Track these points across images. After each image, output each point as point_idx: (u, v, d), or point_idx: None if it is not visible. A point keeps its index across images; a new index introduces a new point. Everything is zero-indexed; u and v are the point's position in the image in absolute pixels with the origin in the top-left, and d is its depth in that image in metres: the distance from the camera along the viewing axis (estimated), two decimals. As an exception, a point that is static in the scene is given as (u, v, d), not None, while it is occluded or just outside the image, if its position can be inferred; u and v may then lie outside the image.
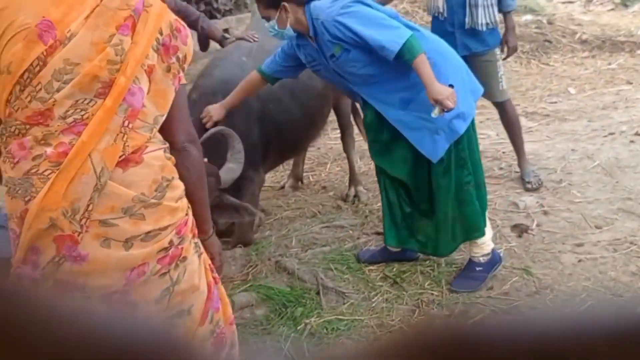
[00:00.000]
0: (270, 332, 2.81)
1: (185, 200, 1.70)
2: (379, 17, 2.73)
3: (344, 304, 2.96)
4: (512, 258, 3.23)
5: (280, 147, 3.72)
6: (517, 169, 4.31)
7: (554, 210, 3.71)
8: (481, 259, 3.04)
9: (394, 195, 3.07)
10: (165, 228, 1.60)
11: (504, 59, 3.94)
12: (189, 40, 1.72)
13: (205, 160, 2.88)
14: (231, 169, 3.01)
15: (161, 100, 1.63)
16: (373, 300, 2.96)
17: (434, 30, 4.11)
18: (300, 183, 4.61)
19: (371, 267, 3.23)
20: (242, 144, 3.36)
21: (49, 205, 1.49)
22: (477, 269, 3.04)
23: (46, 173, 1.49)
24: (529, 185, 4.04)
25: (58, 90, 1.49)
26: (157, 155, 1.61)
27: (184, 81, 1.75)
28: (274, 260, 3.28)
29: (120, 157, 1.54)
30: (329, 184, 4.57)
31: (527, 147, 4.77)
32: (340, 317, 2.87)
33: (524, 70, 7.40)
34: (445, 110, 2.57)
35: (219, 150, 3.07)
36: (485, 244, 3.04)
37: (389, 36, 2.66)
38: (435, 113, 2.61)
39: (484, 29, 3.82)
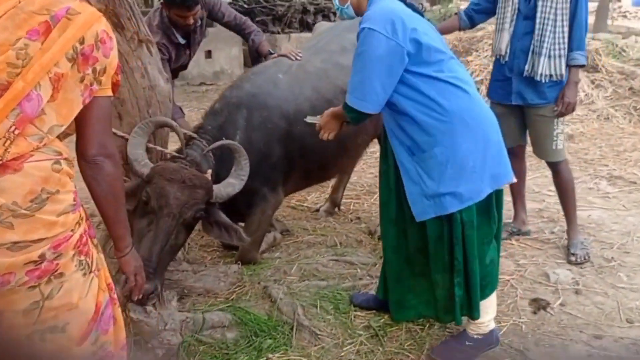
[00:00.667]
0: (230, 358, 2.72)
1: (72, 216, 1.64)
2: (384, 64, 2.44)
3: (315, 346, 2.79)
4: (514, 335, 2.89)
5: (304, 171, 3.61)
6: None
7: (588, 290, 3.28)
8: (475, 335, 2.73)
9: (394, 241, 2.84)
10: (38, 241, 1.56)
11: (557, 115, 3.55)
12: (112, 53, 1.68)
13: (197, 171, 2.87)
14: (230, 184, 2.95)
15: (64, 110, 1.60)
16: (344, 349, 2.77)
17: (494, 73, 3.83)
18: (337, 209, 4.48)
19: (359, 313, 3.03)
20: (262, 162, 3.30)
21: None
22: (467, 343, 2.73)
23: None
24: (572, 258, 3.62)
25: None
26: (41, 165, 1.57)
27: (106, 94, 1.71)
28: (263, 285, 3.18)
29: None
30: (366, 215, 4.40)
31: (594, 214, 4.35)
32: (304, 359, 2.71)
33: (631, 129, 6.76)
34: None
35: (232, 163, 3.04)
36: (484, 324, 2.71)
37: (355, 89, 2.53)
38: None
39: (545, 80, 3.48)
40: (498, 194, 2.64)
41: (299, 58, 3.60)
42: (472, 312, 2.64)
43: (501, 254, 3.65)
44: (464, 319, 2.74)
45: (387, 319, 2.98)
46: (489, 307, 2.70)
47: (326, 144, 3.51)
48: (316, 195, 4.86)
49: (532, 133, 3.74)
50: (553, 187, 4.74)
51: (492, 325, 2.74)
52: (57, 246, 1.59)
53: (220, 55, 11.01)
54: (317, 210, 4.48)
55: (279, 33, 11.76)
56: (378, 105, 2.51)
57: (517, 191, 4.01)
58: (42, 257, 1.57)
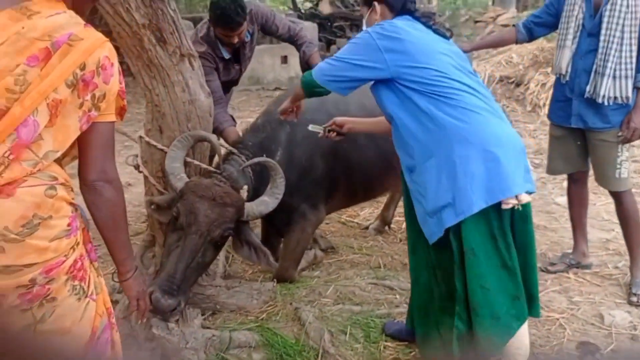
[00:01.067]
0: (253, 380, 2.68)
1: (65, 241, 1.64)
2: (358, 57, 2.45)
3: (339, 375, 2.71)
4: (555, 382, 2.68)
5: (349, 189, 3.53)
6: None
7: (646, 337, 3.01)
8: None
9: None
10: (30, 266, 1.56)
11: (622, 141, 3.27)
12: (112, 80, 1.67)
13: (231, 188, 2.84)
14: (264, 202, 2.92)
15: (60, 136, 1.60)
16: (368, 381, 2.67)
17: (554, 93, 3.61)
18: (387, 227, 4.35)
19: (390, 344, 2.91)
20: (303, 179, 3.25)
21: None
22: None
23: None
24: (633, 299, 3.33)
25: None
26: (34, 191, 1.57)
27: (107, 119, 1.70)
28: (294, 306, 3.12)
29: None
30: (416, 235, 4.24)
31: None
32: (326, 388, 2.63)
33: None
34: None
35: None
36: None
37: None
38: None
39: (608, 103, 3.23)
40: (519, 220, 2.40)
41: None
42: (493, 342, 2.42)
43: (554, 288, 3.47)
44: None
45: (417, 352, 2.84)
46: (515, 345, 2.47)
47: (372, 162, 3.41)
48: (369, 212, 4.76)
49: (593, 159, 3.47)
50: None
51: None
52: (48, 271, 1.60)
53: (295, 61, 11.01)
54: (367, 228, 4.38)
55: (355, 39, 11.68)
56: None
57: (578, 220, 3.75)
58: (32, 281, 1.58)
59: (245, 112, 8.88)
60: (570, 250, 3.80)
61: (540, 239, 4.18)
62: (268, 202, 2.92)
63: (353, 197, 3.69)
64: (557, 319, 3.15)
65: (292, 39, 4.05)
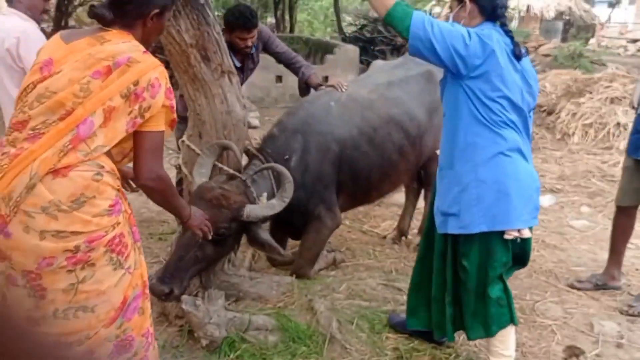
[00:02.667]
0: (267, 358, 3.04)
1: (107, 219, 2.02)
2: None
3: (343, 358, 3.04)
4: (538, 378, 2.95)
5: (350, 194, 3.90)
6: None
7: (631, 346, 3.24)
8: None
9: (422, 251, 3.08)
10: (76, 234, 1.95)
11: None
12: (159, 96, 2.07)
13: (234, 191, 3.20)
14: (271, 205, 3.23)
15: (110, 135, 2.02)
16: (370, 365, 3.00)
17: (635, 124, 3.73)
18: (404, 238, 4.68)
19: (392, 335, 3.23)
20: (317, 183, 3.63)
21: None
22: None
23: (4, 166, 1.96)
24: (625, 308, 3.58)
25: (34, 109, 1.98)
26: (84, 175, 1.97)
27: (156, 129, 2.11)
28: (309, 298, 3.48)
29: (50, 168, 1.93)
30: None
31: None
32: (332, 368, 2.97)
33: None
34: None
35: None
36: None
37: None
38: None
39: None
40: (519, 249, 2.70)
41: (344, 89, 3.91)
42: (467, 332, 2.84)
43: (553, 299, 3.74)
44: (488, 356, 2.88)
45: (417, 344, 3.16)
46: (500, 347, 2.78)
47: (372, 169, 3.79)
48: (390, 223, 5.09)
49: None
50: (634, 240, 4.66)
51: None
52: (90, 241, 1.98)
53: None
54: (385, 237, 4.72)
55: (395, 63, 12.05)
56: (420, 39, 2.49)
57: (616, 246, 3.93)
58: (77, 247, 1.96)
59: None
60: (599, 272, 4.00)
61: (548, 257, 4.46)
62: (275, 205, 3.23)
63: (353, 201, 4.05)
64: (550, 325, 3.42)
65: (290, 61, 4.34)
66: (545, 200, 5.97)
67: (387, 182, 3.99)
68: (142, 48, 2.11)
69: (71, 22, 16.82)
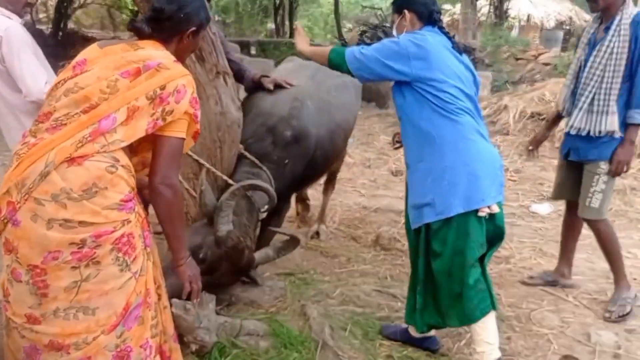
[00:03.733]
0: (256, 364, 2.98)
1: (116, 213, 2.00)
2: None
3: (335, 365, 2.99)
4: (533, 388, 2.90)
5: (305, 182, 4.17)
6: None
7: (628, 356, 3.18)
8: None
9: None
10: (84, 224, 1.93)
11: (612, 174, 3.52)
12: (183, 102, 2.10)
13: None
14: (267, 256, 3.37)
15: (129, 132, 2.04)
16: (362, 373, 2.94)
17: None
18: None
19: (385, 342, 3.18)
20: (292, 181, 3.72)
21: (11, 177, 1.98)
22: None
23: (22, 154, 1.99)
24: (607, 315, 3.57)
25: (60, 101, 2.02)
26: (98, 165, 1.97)
27: (177, 135, 2.11)
28: (302, 303, 3.42)
29: (67, 157, 1.94)
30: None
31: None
32: (324, 376, 2.91)
33: None
34: None
35: None
36: (485, 353, 2.82)
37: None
38: None
39: (572, 132, 3.60)
40: (492, 225, 2.81)
41: (287, 85, 3.82)
42: (446, 320, 2.92)
43: (550, 307, 3.69)
44: (469, 347, 3.05)
45: (410, 351, 3.11)
46: (483, 335, 2.82)
47: (329, 161, 4.18)
48: (386, 229, 5.02)
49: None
50: (634, 250, 4.63)
51: (496, 353, 2.82)
52: (97, 236, 1.96)
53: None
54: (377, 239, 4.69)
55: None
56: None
57: (566, 245, 4.10)
58: (83, 241, 1.94)
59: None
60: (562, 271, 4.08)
61: (545, 265, 4.42)
62: (270, 255, 3.38)
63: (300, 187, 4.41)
64: (546, 334, 3.36)
65: (239, 66, 4.04)
66: (543, 208, 5.94)
67: (316, 178, 4.38)
68: (173, 57, 2.17)
69: (70, 25, 16.83)
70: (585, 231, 5.11)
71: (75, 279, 1.97)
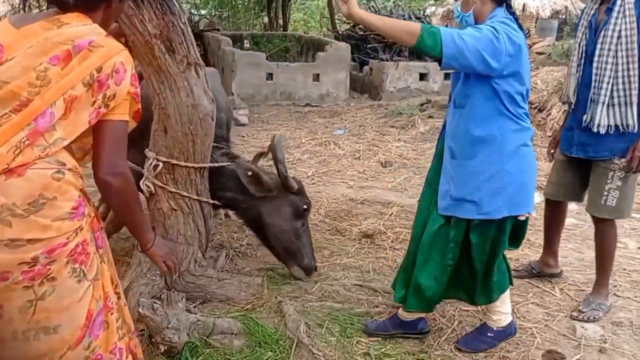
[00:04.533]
0: (229, 364, 2.89)
1: (68, 223, 1.80)
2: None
3: (311, 364, 2.89)
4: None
5: None
6: (628, 295, 3.69)
7: (614, 351, 3.08)
8: (495, 327, 3.09)
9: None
10: (33, 242, 1.73)
11: (626, 170, 3.24)
12: (124, 83, 1.86)
13: None
14: None
15: (70, 127, 1.81)
16: (337, 371, 2.85)
17: (566, 121, 3.62)
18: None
19: (362, 339, 3.08)
20: None
21: None
22: (489, 334, 3.08)
23: None
24: (574, 313, 3.41)
25: None
26: (43, 173, 1.76)
27: (119, 118, 1.89)
28: (278, 300, 3.33)
29: (4, 168, 1.70)
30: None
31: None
32: (298, 375, 2.82)
33: None
34: None
35: None
36: (501, 319, 3.08)
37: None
38: None
39: (607, 131, 3.20)
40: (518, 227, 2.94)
41: None
42: (473, 299, 3.05)
43: (535, 300, 3.60)
44: (486, 314, 3.14)
45: (388, 349, 3.01)
46: (500, 306, 3.06)
47: None
48: (372, 221, 4.92)
49: (589, 186, 3.49)
50: (625, 240, 4.52)
51: (509, 318, 3.09)
52: (50, 251, 1.77)
53: (327, 79, 11.36)
54: (369, 236, 4.56)
55: (387, 60, 11.95)
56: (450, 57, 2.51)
57: (550, 238, 3.89)
58: (35, 259, 1.74)
59: (274, 124, 9.22)
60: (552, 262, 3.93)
61: (532, 256, 4.30)
62: None
63: None
64: (530, 328, 3.26)
65: None
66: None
67: None
68: (103, 31, 1.90)
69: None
70: (576, 221, 5.04)
71: (29, 297, 1.79)
